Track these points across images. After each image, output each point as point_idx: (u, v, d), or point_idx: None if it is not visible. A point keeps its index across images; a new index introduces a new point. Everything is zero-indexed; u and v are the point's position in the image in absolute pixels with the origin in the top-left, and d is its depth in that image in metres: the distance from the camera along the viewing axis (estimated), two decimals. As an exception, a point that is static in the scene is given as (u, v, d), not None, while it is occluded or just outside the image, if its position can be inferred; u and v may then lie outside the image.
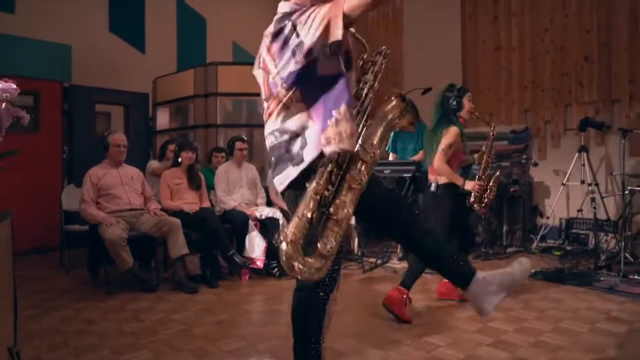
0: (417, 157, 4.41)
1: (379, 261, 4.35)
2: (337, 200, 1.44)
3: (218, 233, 3.65)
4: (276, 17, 1.63)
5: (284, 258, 1.40)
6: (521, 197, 5.18)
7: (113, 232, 3.27)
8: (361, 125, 1.57)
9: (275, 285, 3.68)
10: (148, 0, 6.76)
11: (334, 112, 1.45)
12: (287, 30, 1.50)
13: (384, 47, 1.71)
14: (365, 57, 1.68)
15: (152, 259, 3.96)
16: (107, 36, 6.32)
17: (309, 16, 1.43)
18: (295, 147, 1.53)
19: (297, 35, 1.46)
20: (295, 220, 1.41)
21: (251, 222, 3.91)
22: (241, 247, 3.84)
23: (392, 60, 6.65)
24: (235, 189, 4.16)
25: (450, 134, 2.98)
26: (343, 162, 1.47)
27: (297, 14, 1.49)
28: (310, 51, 1.45)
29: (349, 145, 1.43)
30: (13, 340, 2.25)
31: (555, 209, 4.96)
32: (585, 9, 4.91)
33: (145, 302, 3.18)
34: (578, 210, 4.73)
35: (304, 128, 1.53)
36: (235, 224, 3.90)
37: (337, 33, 1.38)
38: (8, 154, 1.92)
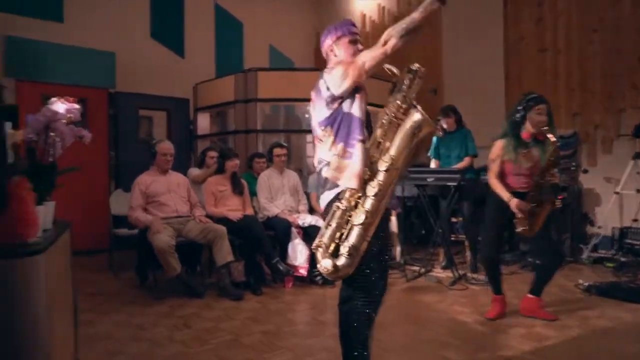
0: (462, 165, 4.29)
1: (422, 270, 4.27)
2: (357, 209, 1.73)
3: (262, 240, 3.67)
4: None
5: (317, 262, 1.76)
6: (570, 205, 4.97)
7: (162, 239, 3.34)
8: (379, 140, 1.79)
9: (319, 294, 3.66)
10: (187, 6, 6.90)
11: (338, 147, 1.80)
12: (321, 85, 1.87)
13: (417, 66, 1.86)
14: (395, 77, 1.86)
15: (198, 264, 4.02)
16: (148, 42, 6.48)
17: (335, 72, 1.83)
18: (327, 173, 1.84)
19: (328, 89, 1.82)
20: (323, 230, 1.77)
21: (294, 230, 3.91)
22: (284, 254, 3.84)
23: (430, 63, 6.55)
24: (277, 195, 4.17)
25: (493, 149, 3.03)
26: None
27: (326, 70, 1.89)
28: (335, 98, 1.82)
29: (353, 183, 1.72)
30: (74, 345, 2.32)
31: (608, 217, 4.74)
32: (639, 9, 4.66)
33: (192, 309, 3.23)
34: (634, 220, 4.50)
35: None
36: (278, 232, 3.91)
37: (346, 87, 1.80)
38: (70, 170, 1.98)
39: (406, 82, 1.83)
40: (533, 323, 2.94)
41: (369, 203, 1.72)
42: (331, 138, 1.84)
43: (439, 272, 4.36)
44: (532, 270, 4.35)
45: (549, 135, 2.82)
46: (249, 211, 4.04)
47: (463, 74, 6.18)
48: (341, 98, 1.82)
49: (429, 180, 4.13)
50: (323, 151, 1.86)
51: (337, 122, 1.82)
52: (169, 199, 3.67)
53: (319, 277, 3.87)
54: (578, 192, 5.06)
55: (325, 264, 1.72)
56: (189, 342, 2.61)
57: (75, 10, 5.74)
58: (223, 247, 3.53)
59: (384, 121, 1.81)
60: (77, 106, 1.71)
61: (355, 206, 1.74)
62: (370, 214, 1.71)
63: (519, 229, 2.89)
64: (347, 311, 1.82)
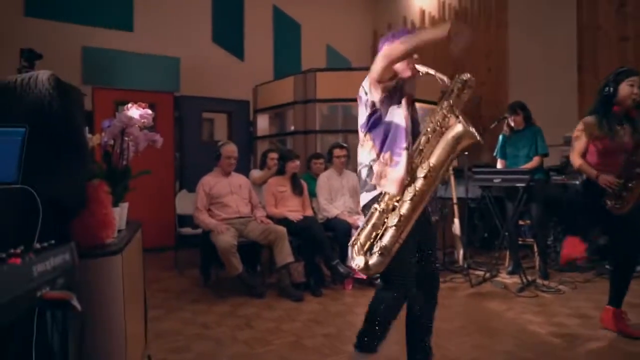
0: (530, 165, 4.04)
1: (487, 274, 4.07)
2: (393, 212, 1.81)
3: (322, 242, 3.66)
4: None
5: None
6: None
7: (224, 240, 3.42)
8: (421, 147, 1.86)
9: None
10: (247, 9, 7.06)
11: (385, 156, 1.89)
12: (360, 91, 2.02)
13: (468, 76, 1.93)
14: (446, 85, 1.90)
15: (258, 264, 4.08)
16: (210, 46, 6.70)
17: (365, 82, 2.00)
18: (364, 175, 1.98)
19: (365, 94, 1.97)
20: (360, 229, 1.88)
21: (354, 231, 3.86)
22: (344, 256, 3.81)
23: (496, 57, 6.25)
24: (337, 196, 4.15)
25: (578, 126, 2.81)
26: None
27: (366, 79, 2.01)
28: (373, 104, 1.94)
29: (394, 188, 1.81)
30: (144, 340, 2.42)
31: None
32: None
33: (254, 308, 3.28)
34: None
35: (372, 162, 1.93)
36: (338, 233, 3.88)
37: (376, 97, 1.93)
38: (142, 173, 2.05)
39: (455, 91, 1.89)
40: (615, 337, 2.70)
41: (405, 207, 1.80)
42: (370, 143, 1.96)
43: (505, 278, 4.14)
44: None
45: None
46: (309, 212, 4.05)
47: (531, 67, 5.85)
48: (374, 104, 1.93)
49: (495, 181, 3.92)
50: (362, 155, 1.99)
51: (380, 130, 1.93)
52: (231, 200, 3.75)
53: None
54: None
55: (357, 261, 1.84)
56: (252, 343, 2.64)
57: (143, 19, 6.05)
58: (283, 248, 3.55)
59: (428, 129, 1.88)
60: (150, 112, 1.77)
61: (393, 209, 1.82)
62: (404, 218, 1.79)
63: (609, 204, 2.63)
64: (376, 297, 2.04)
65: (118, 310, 1.64)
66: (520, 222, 4.38)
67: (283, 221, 3.80)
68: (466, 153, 4.26)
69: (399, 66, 1.97)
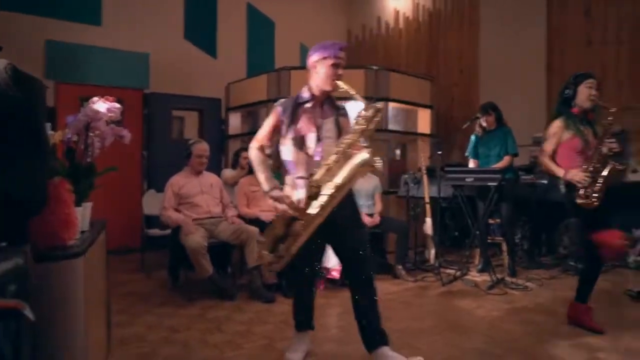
0: (501, 164, 4.12)
1: (458, 273, 4.12)
2: (297, 221, 2.07)
3: (294, 242, 3.61)
4: None
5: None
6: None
7: (194, 240, 3.33)
8: (325, 171, 2.07)
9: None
10: (220, 6, 6.93)
11: (289, 179, 2.26)
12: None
13: (380, 104, 2.13)
14: (362, 113, 2.10)
15: (228, 265, 4.00)
16: (182, 43, 6.54)
17: None
18: None
19: None
20: (268, 229, 2.20)
21: (326, 231, 3.83)
22: (316, 256, 3.77)
23: (468, 59, 6.34)
24: (309, 196, 4.11)
25: (549, 128, 2.88)
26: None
27: None
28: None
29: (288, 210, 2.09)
30: (107, 347, 2.32)
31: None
32: (697, -3, 4.36)
33: (224, 311, 3.20)
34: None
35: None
36: (311, 233, 3.84)
37: None
38: (108, 170, 1.97)
39: (368, 117, 2.07)
40: (582, 332, 2.77)
41: (307, 218, 2.05)
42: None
43: (475, 276, 4.21)
44: (575, 275, 4.15)
45: (605, 105, 2.70)
46: (281, 212, 3.99)
47: (502, 69, 5.96)
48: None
49: (467, 180, 3.98)
50: None
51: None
52: (202, 200, 3.66)
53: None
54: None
55: (262, 256, 2.16)
56: (222, 346, 2.58)
57: (112, 13, 5.85)
58: (255, 248, 3.49)
59: (339, 149, 2.07)
60: (117, 105, 1.69)
61: (298, 217, 2.07)
62: (304, 226, 2.05)
63: (580, 201, 2.69)
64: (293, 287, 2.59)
65: (79, 316, 1.55)
66: (490, 221, 4.46)
67: (255, 221, 3.74)
68: (439, 152, 4.35)
69: (321, 78, 2.17)
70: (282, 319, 3.02)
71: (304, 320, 2.43)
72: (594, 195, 2.66)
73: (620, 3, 4.92)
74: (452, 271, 4.21)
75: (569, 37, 5.37)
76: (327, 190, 2.03)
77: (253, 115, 6.03)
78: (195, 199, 3.63)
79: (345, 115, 2.31)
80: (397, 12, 7.53)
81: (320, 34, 7.94)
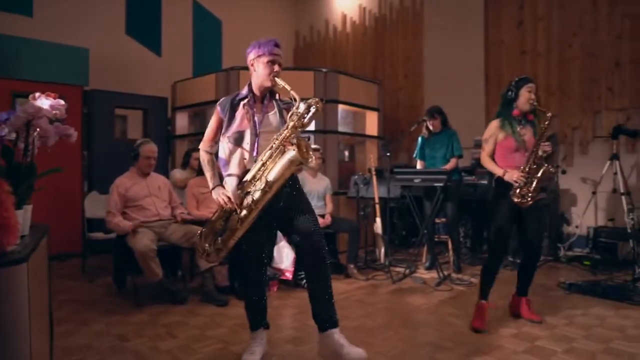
0: (448, 166, 4.30)
1: (407, 271, 4.26)
2: (233, 215, 2.18)
3: (247, 244, 3.56)
4: None
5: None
6: (548, 205, 5.06)
7: (142, 243, 3.19)
8: (260, 167, 2.14)
9: (305, 297, 3.50)
10: (164, 2, 6.71)
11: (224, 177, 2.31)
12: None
13: (314, 100, 2.14)
14: (294, 109, 2.15)
15: (179, 269, 3.88)
16: (123, 39, 6.27)
17: None
18: None
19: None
20: (208, 223, 2.30)
21: (279, 232, 3.81)
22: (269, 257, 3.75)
23: (413, 64, 6.57)
24: (262, 197, 4.08)
25: (488, 128, 3.04)
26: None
27: None
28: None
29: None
30: (50, 358, 2.17)
31: (583, 217, 4.86)
32: (616, 14, 4.81)
33: (176, 316, 3.10)
34: (610, 220, 4.62)
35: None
36: (263, 234, 3.81)
37: None
38: (52, 171, 1.85)
39: (300, 113, 2.11)
40: (521, 323, 2.97)
41: (243, 212, 2.14)
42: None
43: (423, 273, 4.36)
44: (513, 269, 4.42)
45: (543, 109, 2.87)
46: (233, 213, 3.93)
47: (444, 75, 6.24)
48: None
49: (415, 181, 4.12)
50: None
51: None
52: (150, 203, 3.52)
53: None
54: (556, 192, 5.16)
55: (200, 248, 2.26)
56: (176, 352, 2.49)
57: (45, 4, 5.49)
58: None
59: (273, 145, 2.12)
60: (62, 102, 1.59)
61: (235, 212, 2.17)
62: (241, 221, 2.14)
63: (516, 200, 2.85)
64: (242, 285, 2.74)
65: (23, 327, 1.44)
66: (437, 220, 4.65)
67: (205, 223, 3.64)
68: (388, 154, 4.47)
69: (259, 76, 2.21)
70: (237, 322, 2.97)
71: (257, 319, 2.41)
72: (529, 195, 2.84)
73: (549, 16, 5.32)
74: (401, 269, 4.34)
75: (504, 47, 5.72)
76: (260, 185, 2.10)
77: (201, 115, 5.90)
78: (143, 202, 3.48)
79: (288, 109, 2.30)
80: (344, 16, 7.66)
81: (268, 34, 7.88)
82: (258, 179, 2.12)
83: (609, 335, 2.73)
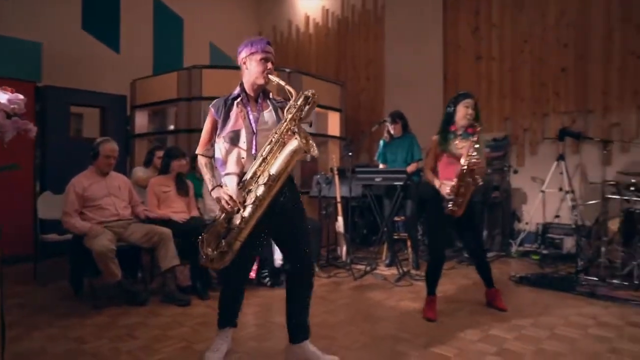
0: (409, 169, 4.44)
1: (368, 268, 4.36)
2: (237, 215, 2.08)
3: (210, 243, 3.54)
4: None
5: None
6: (501, 203, 5.32)
7: (101, 243, 3.12)
8: (260, 163, 2.09)
9: (267, 296, 3.61)
10: (123, -2, 6.54)
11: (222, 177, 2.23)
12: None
13: (312, 92, 2.11)
14: (291, 101, 2.11)
15: (139, 270, 3.80)
16: (80, 34, 6.07)
17: None
18: None
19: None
20: (208, 227, 2.18)
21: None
22: (232, 256, 3.74)
23: (374, 67, 6.71)
24: (224, 196, 4.06)
25: (429, 141, 3.22)
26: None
27: None
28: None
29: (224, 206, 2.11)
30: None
31: (533, 214, 5.14)
32: (562, 24, 5.12)
33: (136, 317, 3.05)
34: (556, 216, 4.91)
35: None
36: (226, 233, 3.80)
37: None
38: (8, 168, 1.80)
39: (298, 105, 2.08)
40: (474, 312, 3.15)
41: (247, 211, 2.05)
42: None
43: (383, 270, 4.48)
44: (469, 265, 4.62)
45: (476, 124, 3.01)
46: (195, 213, 3.90)
47: (405, 78, 6.41)
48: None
49: (377, 180, 4.23)
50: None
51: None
52: (109, 203, 3.44)
53: (267, 279, 3.83)
54: (508, 191, 5.43)
55: (203, 255, 2.12)
56: (137, 353, 2.46)
57: (-7, -5, 5.24)
58: (169, 250, 3.37)
59: (273, 139, 2.09)
60: (21, 97, 1.55)
61: (237, 211, 2.08)
62: (245, 221, 2.05)
63: (448, 210, 3.01)
64: (223, 283, 2.47)
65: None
66: (396, 219, 4.79)
67: (167, 223, 3.60)
68: (350, 153, 4.56)
69: (252, 74, 2.19)
70: (200, 321, 2.96)
71: (228, 317, 2.38)
72: (457, 204, 2.99)
73: (502, 24, 5.59)
74: (362, 266, 4.44)
75: (461, 52, 5.95)
76: (263, 180, 2.04)
77: (161, 114, 5.80)
78: (102, 202, 3.40)
79: (283, 107, 2.30)
80: (307, 17, 7.72)
81: (230, 34, 7.87)
82: (260, 175, 2.07)
83: (554, 322, 2.93)
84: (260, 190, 2.03)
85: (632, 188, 3.96)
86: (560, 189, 4.81)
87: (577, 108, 5.04)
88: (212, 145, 2.28)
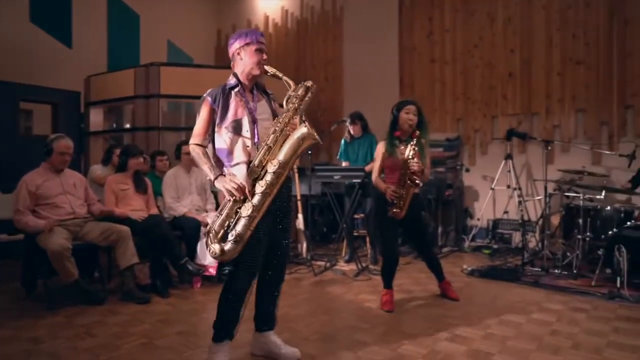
0: (367, 168, 4.57)
1: (328, 264, 4.46)
2: (245, 203, 2.02)
3: (170, 240, 3.53)
4: None
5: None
6: (454, 201, 5.57)
7: (57, 242, 3.04)
8: (265, 151, 2.08)
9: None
10: (75, -9, 6.33)
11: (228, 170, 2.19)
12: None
13: (310, 83, 2.19)
14: (290, 92, 2.17)
15: (96, 269, 3.72)
16: (27, 27, 5.82)
17: None
18: None
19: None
20: (215, 218, 2.07)
21: (203, 229, 3.82)
22: (192, 254, 3.74)
23: (333, 67, 6.84)
24: (184, 195, 4.04)
25: (377, 147, 3.37)
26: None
27: None
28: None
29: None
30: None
31: (484, 211, 5.42)
32: (509, 31, 5.43)
33: (94, 316, 3.00)
34: (504, 212, 5.20)
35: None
36: (186, 231, 3.79)
37: None
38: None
39: (299, 96, 2.15)
40: (428, 303, 3.32)
41: (256, 199, 2.02)
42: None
43: (343, 266, 4.59)
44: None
45: (416, 132, 3.16)
46: (154, 211, 3.86)
47: (362, 78, 6.56)
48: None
49: (335, 177, 4.34)
50: None
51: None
52: (64, 201, 3.34)
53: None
54: (461, 189, 5.70)
55: (214, 248, 2.00)
56: (97, 350, 2.44)
57: None
58: (127, 248, 3.33)
59: (276, 129, 2.10)
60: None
61: (244, 200, 2.03)
62: (256, 209, 2.01)
63: (391, 213, 3.15)
64: (226, 285, 2.21)
65: None
66: (355, 216, 4.92)
67: (125, 221, 3.55)
68: (309, 152, 4.65)
69: (247, 64, 2.18)
70: (161, 318, 2.96)
71: (230, 326, 2.21)
72: (400, 207, 3.13)
73: (454, 29, 5.85)
74: (322, 263, 4.53)
75: (416, 55, 6.18)
76: (272, 168, 2.03)
77: (117, 111, 5.67)
78: (57, 199, 3.30)
79: (275, 99, 2.34)
80: (266, 18, 7.75)
81: (189, 32, 7.79)
82: (266, 164, 2.06)
83: (501, 309, 3.13)
84: (269, 178, 2.02)
85: (570, 185, 4.28)
86: (509, 187, 5.10)
87: (522, 110, 5.36)
88: (209, 136, 2.22)
